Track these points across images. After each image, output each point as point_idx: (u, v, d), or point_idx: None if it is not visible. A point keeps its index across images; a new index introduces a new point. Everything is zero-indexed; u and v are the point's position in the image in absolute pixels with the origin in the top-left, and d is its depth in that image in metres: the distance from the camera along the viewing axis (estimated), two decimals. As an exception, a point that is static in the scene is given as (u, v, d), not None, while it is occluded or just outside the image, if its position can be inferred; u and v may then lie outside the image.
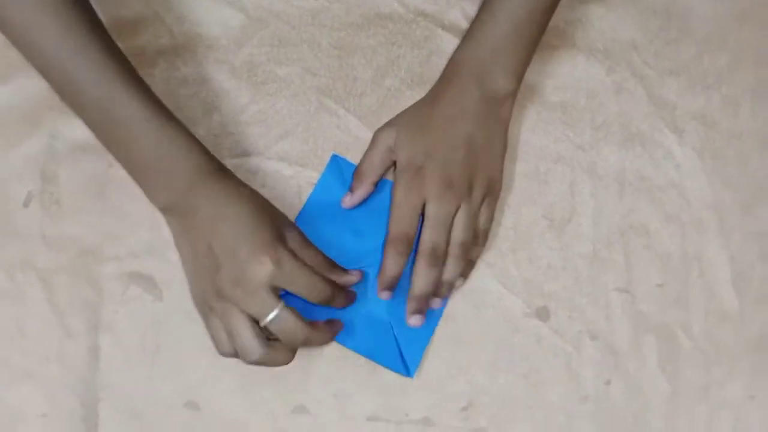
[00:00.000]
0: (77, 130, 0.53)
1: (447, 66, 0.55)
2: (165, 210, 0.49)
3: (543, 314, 0.55)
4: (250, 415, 0.52)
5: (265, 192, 0.51)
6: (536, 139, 0.57)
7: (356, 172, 0.54)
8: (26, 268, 0.52)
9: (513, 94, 0.54)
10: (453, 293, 0.54)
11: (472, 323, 0.54)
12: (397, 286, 0.52)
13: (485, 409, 0.54)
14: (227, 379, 0.52)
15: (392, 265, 0.51)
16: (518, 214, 0.56)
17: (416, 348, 0.53)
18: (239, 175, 0.50)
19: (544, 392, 0.54)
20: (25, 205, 0.53)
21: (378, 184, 0.54)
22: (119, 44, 0.47)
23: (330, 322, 0.50)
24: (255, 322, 0.46)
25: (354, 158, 0.55)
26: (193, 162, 0.47)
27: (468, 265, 0.54)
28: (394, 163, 0.54)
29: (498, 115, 0.53)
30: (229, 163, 0.52)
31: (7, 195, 0.53)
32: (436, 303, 0.53)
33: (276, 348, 0.46)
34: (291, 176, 0.55)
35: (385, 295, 0.52)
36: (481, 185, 0.53)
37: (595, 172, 0.57)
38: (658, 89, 0.58)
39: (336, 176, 0.55)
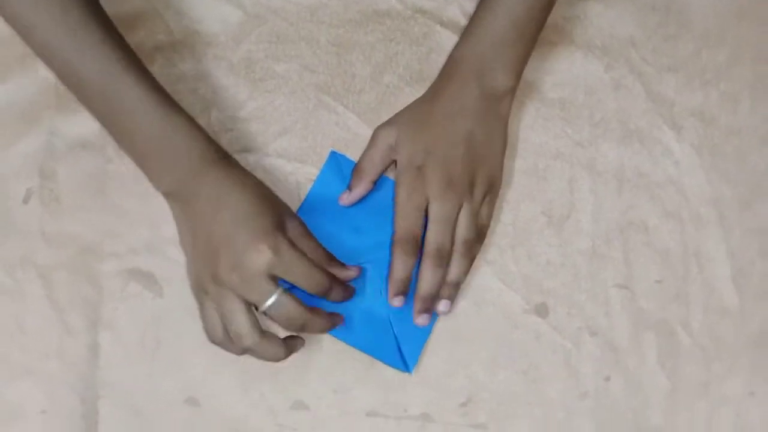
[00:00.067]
0: (75, 128, 0.53)
1: (446, 63, 0.55)
2: (168, 195, 0.49)
3: (542, 311, 0.55)
4: (249, 411, 0.52)
5: (263, 189, 0.51)
6: (535, 135, 0.57)
7: (356, 169, 0.54)
8: (26, 264, 0.52)
9: (512, 91, 0.54)
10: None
11: (471, 320, 0.54)
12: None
13: (484, 405, 0.54)
14: (227, 375, 0.52)
15: (401, 266, 0.51)
16: (517, 210, 0.56)
17: (415, 344, 0.53)
18: (238, 172, 0.50)
19: (544, 388, 0.54)
20: (25, 201, 0.53)
21: (377, 182, 0.54)
22: (118, 40, 0.48)
23: (330, 313, 0.50)
24: (250, 308, 0.46)
25: (353, 155, 0.55)
26: (198, 149, 0.48)
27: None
28: (394, 162, 0.54)
29: (497, 111, 0.53)
30: (228, 159, 0.52)
31: (6, 192, 0.53)
32: (443, 306, 0.52)
33: (270, 339, 0.46)
34: (290, 173, 0.55)
35: (397, 302, 0.52)
36: (482, 183, 0.53)
37: (594, 168, 0.57)
38: (657, 86, 0.58)
39: (335, 173, 0.55)
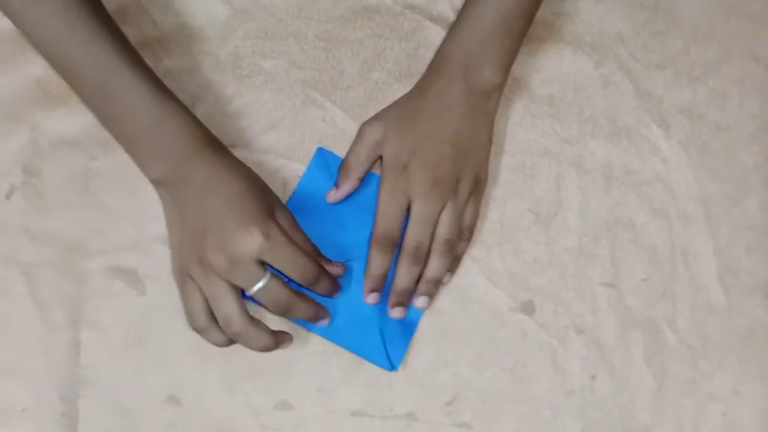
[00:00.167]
0: (59, 125, 0.53)
1: (433, 58, 0.55)
2: (157, 182, 0.49)
3: (528, 308, 0.55)
4: (233, 410, 0.52)
5: (249, 185, 0.50)
6: (523, 132, 0.57)
7: (342, 166, 0.54)
8: (9, 262, 0.52)
9: (500, 87, 0.53)
10: (440, 290, 0.54)
11: (457, 317, 0.54)
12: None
13: (470, 404, 0.54)
14: (211, 374, 0.52)
15: (377, 263, 0.51)
16: (504, 208, 0.56)
17: (400, 342, 0.53)
18: (225, 168, 0.50)
19: (530, 387, 0.54)
20: (8, 197, 0.52)
21: (364, 178, 0.54)
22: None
23: (317, 303, 0.50)
24: (238, 292, 0.46)
25: (340, 151, 0.55)
26: (189, 136, 0.48)
27: (454, 261, 0.53)
28: (380, 157, 0.54)
29: (485, 108, 0.53)
30: (213, 156, 0.52)
31: (-12, 188, 0.52)
32: (421, 302, 0.52)
33: (258, 325, 0.46)
34: (277, 169, 0.54)
35: (371, 299, 0.52)
36: (468, 181, 0.52)
37: (582, 166, 0.57)
38: (645, 82, 0.58)
39: (322, 169, 0.54)
